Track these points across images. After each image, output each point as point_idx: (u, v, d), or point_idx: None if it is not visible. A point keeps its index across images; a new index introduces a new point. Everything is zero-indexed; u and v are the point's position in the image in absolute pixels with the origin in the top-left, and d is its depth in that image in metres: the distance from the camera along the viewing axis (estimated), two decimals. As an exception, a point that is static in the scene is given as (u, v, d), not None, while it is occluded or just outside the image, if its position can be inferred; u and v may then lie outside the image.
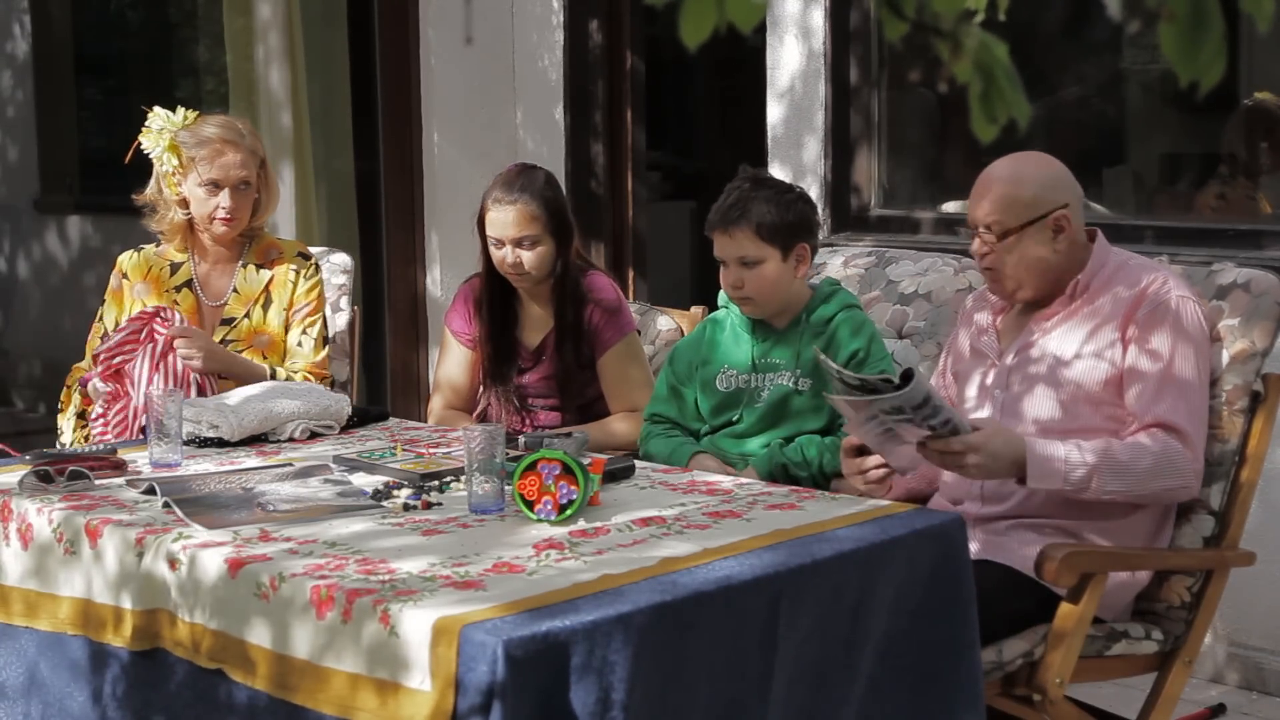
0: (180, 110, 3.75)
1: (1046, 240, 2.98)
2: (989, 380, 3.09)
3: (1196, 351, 2.91)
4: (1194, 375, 2.90)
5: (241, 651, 2.33)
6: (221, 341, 3.71)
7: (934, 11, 1.32)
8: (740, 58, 5.59)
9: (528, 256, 3.64)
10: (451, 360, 3.84)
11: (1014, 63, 1.37)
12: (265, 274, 3.78)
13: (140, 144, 3.76)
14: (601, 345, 3.71)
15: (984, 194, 3.02)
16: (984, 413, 3.05)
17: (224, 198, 3.69)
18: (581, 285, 3.72)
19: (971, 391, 3.13)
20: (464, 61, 5.73)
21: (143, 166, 3.82)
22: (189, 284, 3.79)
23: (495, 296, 3.76)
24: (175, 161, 3.71)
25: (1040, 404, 2.97)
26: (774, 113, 5.01)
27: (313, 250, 3.99)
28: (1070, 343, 2.98)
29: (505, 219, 3.62)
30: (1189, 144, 5.13)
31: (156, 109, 3.75)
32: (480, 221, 3.70)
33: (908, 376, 2.64)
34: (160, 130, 3.72)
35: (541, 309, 3.76)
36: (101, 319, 3.85)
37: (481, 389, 3.83)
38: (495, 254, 3.67)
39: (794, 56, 4.93)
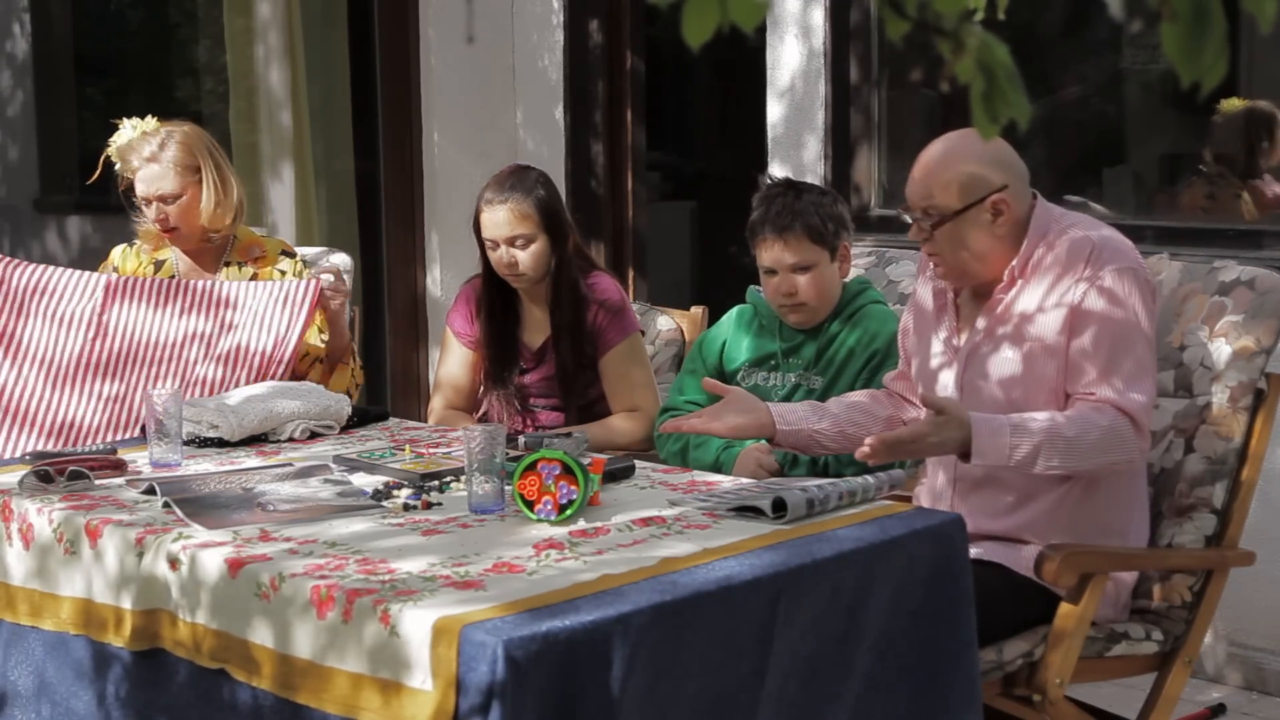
0: (139, 121, 3.80)
1: (985, 224, 2.85)
2: (950, 350, 2.98)
3: (1146, 315, 2.80)
4: (1146, 351, 2.80)
5: (244, 651, 2.33)
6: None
7: (936, 11, 1.32)
8: (740, 57, 5.58)
9: (522, 256, 3.64)
10: (452, 360, 3.84)
11: (1014, 63, 1.37)
12: (249, 271, 3.80)
13: (108, 156, 3.85)
14: (604, 345, 3.70)
15: (918, 176, 2.89)
16: (949, 372, 2.96)
17: (153, 211, 3.76)
18: (583, 285, 3.72)
19: (935, 364, 3.01)
20: (464, 61, 5.72)
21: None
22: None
23: (495, 299, 3.76)
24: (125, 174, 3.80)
25: (1003, 364, 2.87)
26: (774, 112, 5.01)
27: (313, 250, 3.99)
28: (1032, 299, 2.86)
29: (498, 219, 3.63)
30: (1189, 144, 5.12)
31: (125, 121, 3.81)
32: (476, 224, 3.70)
33: (779, 505, 2.56)
34: (114, 145, 3.81)
35: (542, 310, 3.76)
36: None
37: (482, 390, 3.83)
38: (491, 255, 3.67)
39: (794, 56, 4.93)
